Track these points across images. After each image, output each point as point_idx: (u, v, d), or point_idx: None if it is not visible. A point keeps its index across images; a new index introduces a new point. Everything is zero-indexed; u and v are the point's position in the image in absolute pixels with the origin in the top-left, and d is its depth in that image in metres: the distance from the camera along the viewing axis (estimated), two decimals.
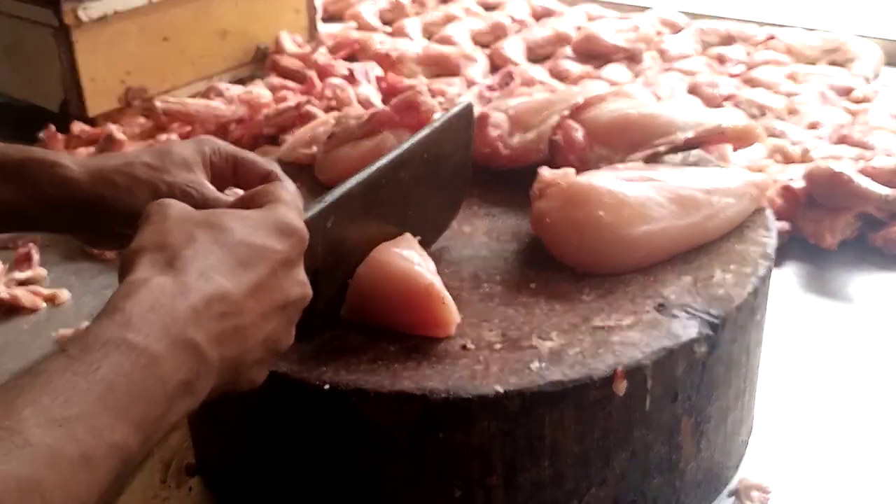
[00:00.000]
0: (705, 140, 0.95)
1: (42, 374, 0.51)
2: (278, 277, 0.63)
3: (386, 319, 0.77)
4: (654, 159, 0.93)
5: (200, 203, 0.74)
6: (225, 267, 0.60)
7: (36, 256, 1.26)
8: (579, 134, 0.95)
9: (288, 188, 0.70)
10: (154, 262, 0.59)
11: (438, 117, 0.89)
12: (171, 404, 0.55)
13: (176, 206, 0.64)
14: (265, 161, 0.82)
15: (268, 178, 0.79)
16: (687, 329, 0.75)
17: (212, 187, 0.79)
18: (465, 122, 0.90)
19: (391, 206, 0.81)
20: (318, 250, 0.71)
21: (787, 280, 1.18)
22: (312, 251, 0.68)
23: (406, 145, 0.82)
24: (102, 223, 0.79)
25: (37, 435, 0.48)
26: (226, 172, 0.81)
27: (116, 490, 0.53)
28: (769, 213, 0.91)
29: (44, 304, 1.19)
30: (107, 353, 0.53)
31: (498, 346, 0.75)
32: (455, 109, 0.88)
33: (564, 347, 0.74)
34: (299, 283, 0.65)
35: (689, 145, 0.95)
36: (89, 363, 0.52)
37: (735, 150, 1.19)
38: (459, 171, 0.91)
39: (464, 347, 0.75)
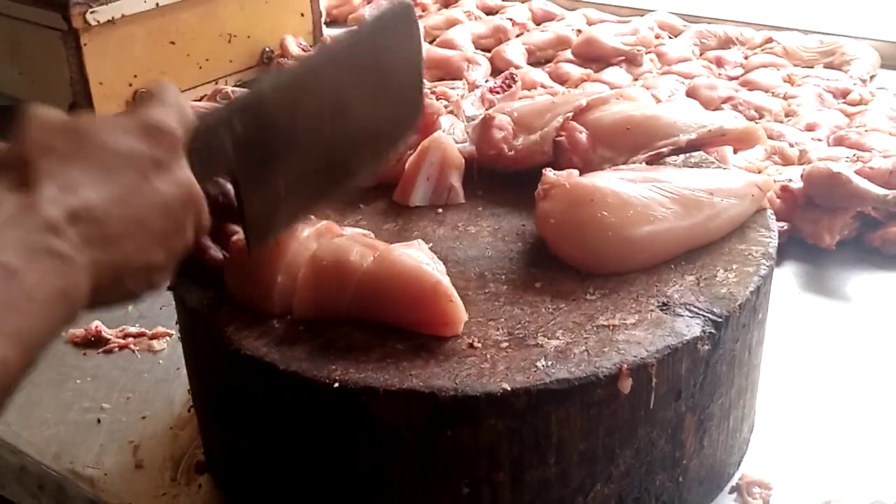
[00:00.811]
0: (707, 142, 0.97)
1: None
2: (149, 180, 0.62)
3: (393, 318, 0.78)
4: (656, 161, 0.94)
5: None
6: (86, 176, 0.59)
7: None
8: (583, 135, 0.97)
9: (170, 93, 0.67)
10: (10, 182, 0.57)
11: (370, 19, 0.84)
12: (45, 313, 0.55)
13: (39, 116, 0.62)
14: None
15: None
16: (690, 328, 0.76)
17: None
18: (404, 17, 0.84)
19: (325, 110, 0.77)
20: (229, 154, 0.69)
21: (785, 280, 1.20)
22: (219, 154, 0.68)
23: (329, 47, 0.79)
24: None
25: None
26: None
27: None
28: (770, 213, 0.93)
29: None
30: None
31: (504, 344, 0.76)
32: (389, 5, 0.83)
33: (570, 346, 0.75)
34: (180, 184, 0.64)
35: (691, 147, 0.96)
36: None
37: (736, 151, 1.20)
38: (409, 75, 0.86)
39: (471, 346, 0.76)
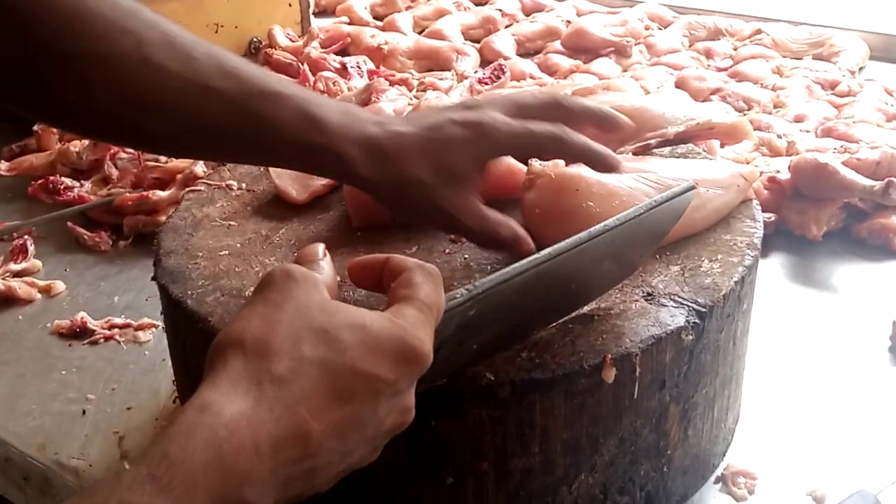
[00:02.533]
0: (695, 134, 0.97)
1: None
2: (378, 409, 0.54)
3: None
4: (644, 152, 0.94)
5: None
6: (315, 399, 0.51)
7: (31, 248, 1.27)
8: None
9: (429, 277, 0.60)
10: (241, 377, 0.51)
11: (657, 198, 0.75)
12: None
13: (299, 291, 0.55)
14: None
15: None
16: (674, 317, 0.76)
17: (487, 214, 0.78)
18: (678, 211, 0.77)
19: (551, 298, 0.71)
20: (450, 333, 0.62)
21: (772, 270, 1.20)
22: (442, 334, 0.61)
23: (593, 240, 0.70)
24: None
25: None
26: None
27: None
28: (756, 203, 0.93)
29: (39, 296, 1.20)
30: None
31: None
32: (677, 188, 0.75)
33: (554, 336, 0.75)
34: (401, 411, 0.57)
35: (679, 139, 0.97)
36: None
37: (723, 146, 1.20)
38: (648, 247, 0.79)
39: None
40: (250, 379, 0.51)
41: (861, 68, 1.76)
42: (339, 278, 0.63)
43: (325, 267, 0.60)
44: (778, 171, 1.27)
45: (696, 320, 0.77)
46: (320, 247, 0.62)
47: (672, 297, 0.79)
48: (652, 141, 0.95)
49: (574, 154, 0.81)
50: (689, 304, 0.78)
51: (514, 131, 0.77)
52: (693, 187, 0.77)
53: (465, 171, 0.77)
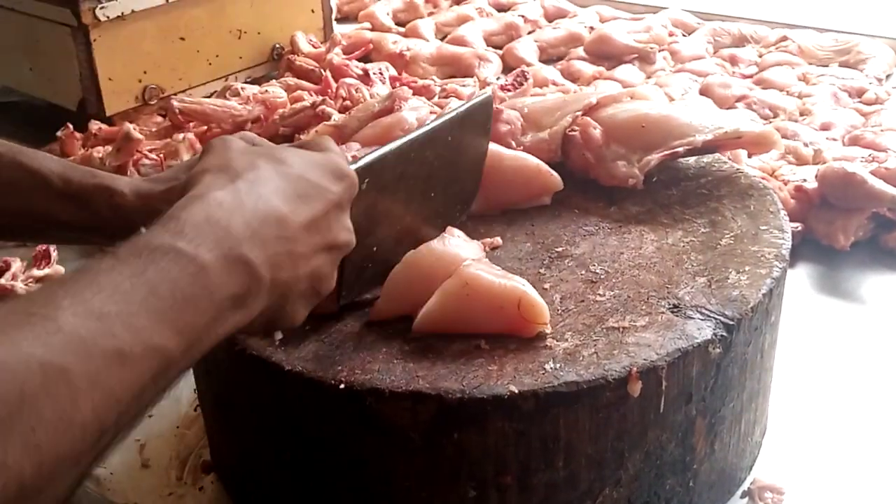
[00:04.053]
0: (723, 144, 0.95)
1: (89, 272, 0.52)
2: (329, 218, 0.65)
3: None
4: (671, 160, 0.93)
5: None
6: (283, 195, 0.62)
7: (54, 254, 1.27)
8: (597, 131, 0.96)
9: (334, 145, 0.72)
10: (216, 179, 0.61)
11: (459, 104, 0.90)
12: (218, 315, 0.56)
13: (238, 141, 0.67)
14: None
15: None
16: (701, 330, 0.75)
17: None
18: (485, 114, 0.91)
19: (416, 184, 0.82)
20: (352, 210, 0.71)
21: (799, 281, 1.18)
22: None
23: (432, 125, 0.83)
24: None
25: (70, 324, 0.48)
26: None
27: (154, 394, 0.53)
28: (783, 214, 0.92)
29: None
30: (155, 259, 0.53)
31: (512, 346, 0.75)
32: (477, 99, 0.90)
33: (579, 348, 0.74)
34: (346, 229, 0.68)
35: (706, 148, 0.95)
36: (136, 266, 0.53)
37: (750, 155, 1.19)
38: (475, 163, 0.92)
39: (478, 347, 0.75)
40: (225, 179, 0.61)
41: (888, 76, 1.74)
42: None
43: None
44: (805, 180, 1.26)
45: (724, 333, 0.76)
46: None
47: (699, 309, 0.78)
48: (679, 149, 0.94)
49: None
50: (717, 316, 0.77)
51: None
52: (490, 96, 0.91)
53: None
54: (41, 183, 0.77)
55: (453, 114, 0.86)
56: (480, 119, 0.90)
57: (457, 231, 0.85)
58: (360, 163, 0.74)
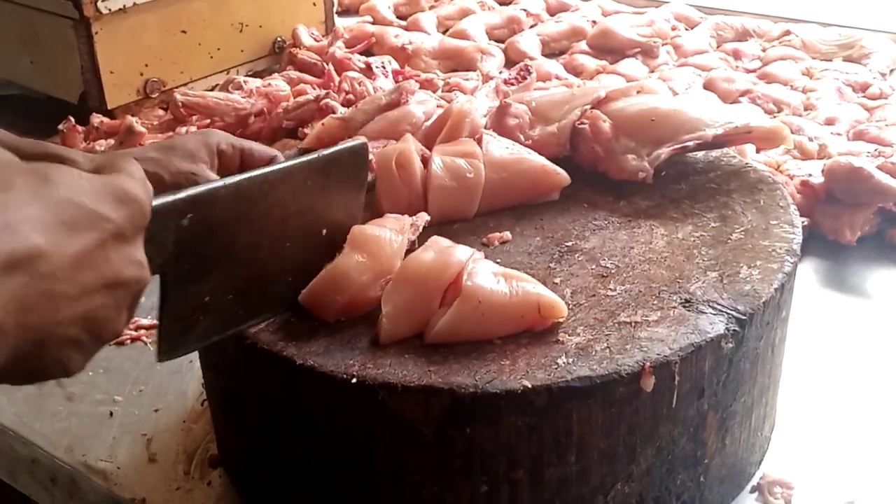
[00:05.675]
0: (732, 139, 0.95)
1: None
2: (107, 250, 0.56)
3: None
4: (680, 154, 0.93)
5: None
6: (40, 223, 0.52)
7: None
8: (606, 124, 0.95)
9: (137, 167, 0.62)
10: None
11: (327, 149, 0.81)
12: None
13: (2, 153, 0.57)
14: (267, 149, 0.83)
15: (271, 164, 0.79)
16: (714, 325, 0.75)
17: (215, 175, 0.79)
18: (355, 163, 0.83)
19: (263, 228, 0.74)
20: (169, 248, 0.65)
21: (805, 276, 1.18)
22: (160, 246, 0.64)
23: (283, 165, 0.76)
24: None
25: None
26: (234, 163, 0.81)
27: None
28: (794, 209, 0.91)
29: None
30: None
31: (524, 340, 0.75)
32: (347, 144, 0.83)
33: (591, 343, 0.74)
34: (134, 263, 0.58)
35: (716, 143, 0.95)
36: None
37: (758, 150, 1.18)
38: (346, 216, 0.83)
39: (490, 342, 0.75)
40: None
41: (892, 70, 1.74)
42: None
43: None
44: (810, 175, 1.25)
45: (736, 328, 0.75)
46: None
47: (711, 303, 0.78)
48: (690, 143, 0.93)
49: None
50: (729, 311, 0.77)
51: None
52: (364, 144, 0.84)
53: None
54: None
55: (314, 156, 0.79)
56: (349, 167, 0.82)
57: (442, 239, 0.81)
58: (181, 194, 0.66)
